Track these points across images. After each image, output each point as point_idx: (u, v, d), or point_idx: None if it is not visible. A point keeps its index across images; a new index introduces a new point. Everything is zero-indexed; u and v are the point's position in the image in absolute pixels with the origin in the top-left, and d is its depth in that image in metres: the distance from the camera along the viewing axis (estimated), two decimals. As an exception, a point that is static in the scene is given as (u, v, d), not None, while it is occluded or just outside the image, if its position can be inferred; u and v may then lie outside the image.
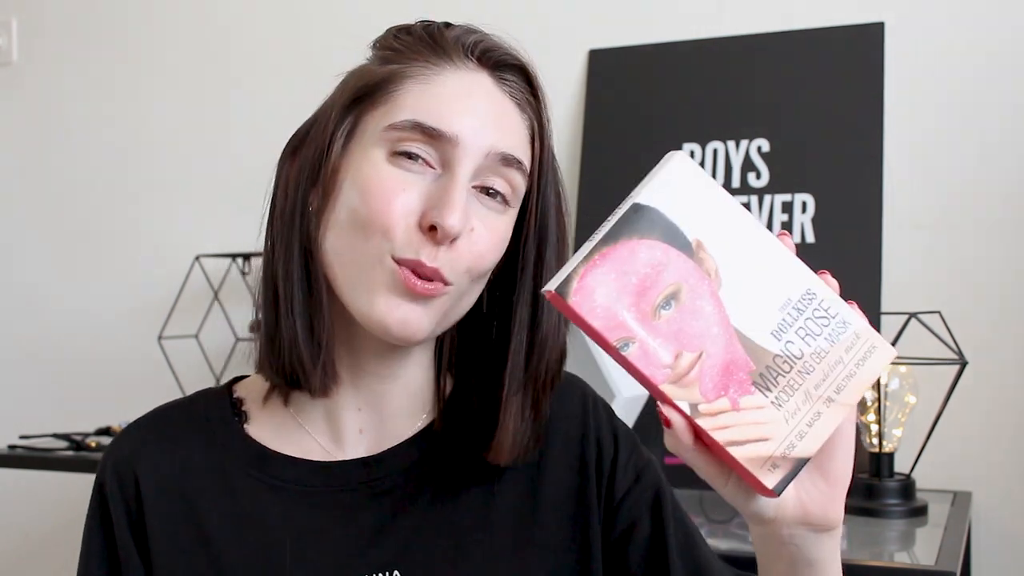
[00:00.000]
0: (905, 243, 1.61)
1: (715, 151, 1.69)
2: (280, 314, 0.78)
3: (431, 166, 0.75)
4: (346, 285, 0.77)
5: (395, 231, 0.74)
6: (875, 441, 1.42)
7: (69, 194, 2.21)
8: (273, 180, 0.82)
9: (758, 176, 1.66)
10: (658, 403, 0.61)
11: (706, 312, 0.60)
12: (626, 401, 1.37)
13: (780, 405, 0.60)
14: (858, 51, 1.64)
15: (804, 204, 1.63)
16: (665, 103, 1.74)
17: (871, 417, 1.43)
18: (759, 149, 1.67)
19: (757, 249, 0.61)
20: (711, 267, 0.61)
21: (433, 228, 0.73)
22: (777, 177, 1.65)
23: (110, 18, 2.19)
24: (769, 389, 0.60)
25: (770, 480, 0.59)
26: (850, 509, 1.39)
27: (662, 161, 0.62)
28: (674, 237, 0.60)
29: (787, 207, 1.63)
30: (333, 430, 0.83)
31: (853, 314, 0.61)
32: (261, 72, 2.06)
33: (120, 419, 1.86)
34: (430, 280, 0.74)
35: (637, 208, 0.61)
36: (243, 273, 1.91)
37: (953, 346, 1.38)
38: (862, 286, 1.56)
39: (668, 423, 0.60)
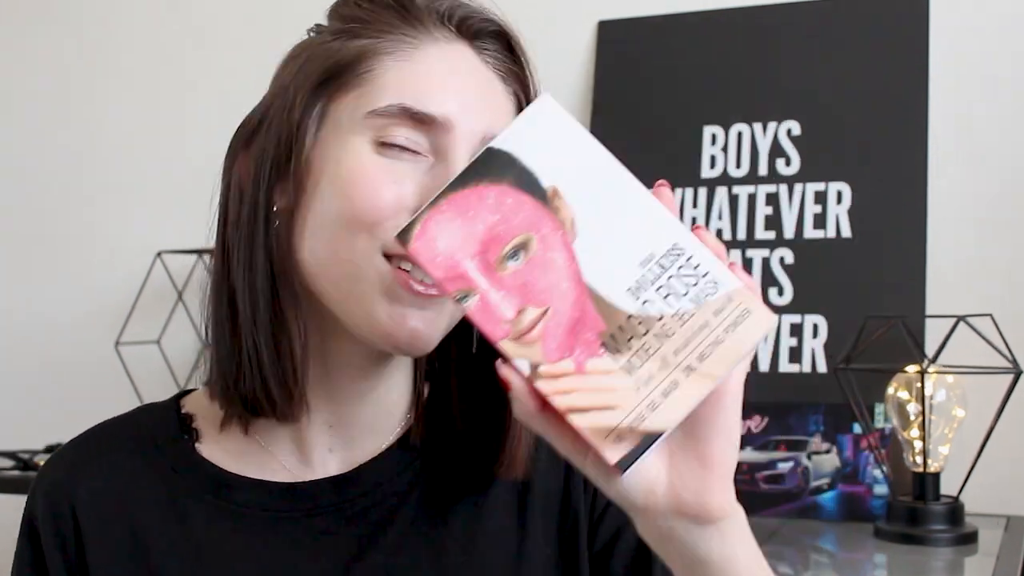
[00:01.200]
0: (952, 237, 1.59)
1: (739, 135, 1.68)
2: (241, 333, 0.74)
3: (422, 155, 0.73)
4: (336, 296, 0.73)
5: (385, 225, 0.71)
6: (919, 460, 1.40)
7: (23, 196, 2.24)
8: (222, 177, 0.77)
9: (788, 163, 1.65)
10: (498, 364, 0.59)
11: (557, 265, 0.59)
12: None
13: (631, 371, 0.58)
14: (900, 21, 1.62)
15: (839, 194, 1.61)
16: (682, 80, 1.73)
17: (915, 433, 1.41)
18: (789, 132, 1.66)
19: (622, 200, 0.60)
20: (566, 217, 0.60)
21: None
22: (809, 164, 1.64)
23: (64, 21, 2.21)
24: (620, 352, 0.58)
25: (613, 454, 0.57)
26: (892, 535, 1.38)
27: (529, 106, 0.62)
28: (528, 184, 0.60)
29: (820, 197, 1.62)
30: (299, 449, 0.80)
31: (728, 274, 0.59)
32: (216, 75, 2.08)
33: (72, 435, 1.82)
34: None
35: (490, 152, 0.60)
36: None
37: (1006, 352, 1.37)
38: (905, 285, 1.55)
39: (507, 386, 0.58)
